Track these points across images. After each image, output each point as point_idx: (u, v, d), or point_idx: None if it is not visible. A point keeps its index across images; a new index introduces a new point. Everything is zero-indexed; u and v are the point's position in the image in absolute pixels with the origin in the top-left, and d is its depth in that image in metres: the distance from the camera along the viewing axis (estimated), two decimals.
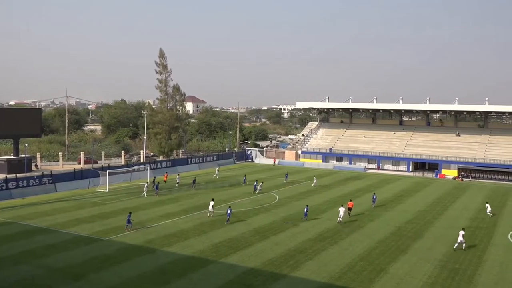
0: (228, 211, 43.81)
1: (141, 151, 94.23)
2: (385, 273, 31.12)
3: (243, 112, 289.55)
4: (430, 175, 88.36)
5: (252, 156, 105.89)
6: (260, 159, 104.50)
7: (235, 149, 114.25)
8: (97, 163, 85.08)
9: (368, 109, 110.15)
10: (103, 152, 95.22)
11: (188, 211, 48.93)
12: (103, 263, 31.89)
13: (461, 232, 37.65)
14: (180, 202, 53.52)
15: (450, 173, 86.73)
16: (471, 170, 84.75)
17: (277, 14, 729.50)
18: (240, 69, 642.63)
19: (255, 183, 63.23)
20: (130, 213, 41.24)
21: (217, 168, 77.69)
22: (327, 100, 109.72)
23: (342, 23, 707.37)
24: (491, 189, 71.86)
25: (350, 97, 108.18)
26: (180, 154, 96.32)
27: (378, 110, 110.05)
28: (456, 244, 37.08)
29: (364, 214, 49.87)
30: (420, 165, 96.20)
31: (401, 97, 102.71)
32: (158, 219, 45.08)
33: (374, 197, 55.35)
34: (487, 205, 51.70)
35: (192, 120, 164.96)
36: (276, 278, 29.58)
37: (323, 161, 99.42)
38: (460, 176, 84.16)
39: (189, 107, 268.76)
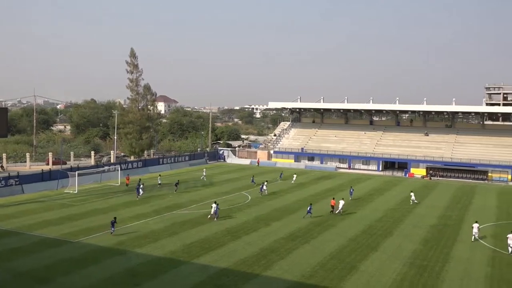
0: (215, 208, 45.23)
1: (112, 152, 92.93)
2: (356, 270, 31.50)
3: (215, 112, 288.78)
4: (399, 174, 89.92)
5: (224, 156, 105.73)
6: (232, 159, 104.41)
7: (207, 149, 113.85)
8: (66, 163, 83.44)
9: (339, 109, 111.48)
10: (72, 153, 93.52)
11: (159, 212, 48.48)
12: (71, 265, 31.29)
13: (475, 225, 40.48)
14: (151, 203, 52.97)
15: (418, 172, 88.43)
16: (439, 169, 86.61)
17: (252, 14, 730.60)
18: (213, 69, 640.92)
19: (261, 184, 61.77)
20: (115, 218, 40.16)
21: (204, 170, 76.65)
22: (299, 100, 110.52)
23: (315, 25, 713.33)
24: (458, 187, 73.58)
25: (322, 97, 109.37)
26: (152, 154, 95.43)
27: (349, 110, 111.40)
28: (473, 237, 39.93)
29: (335, 212, 50.35)
30: (390, 164, 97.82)
31: (371, 98, 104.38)
32: (129, 220, 44.52)
33: (351, 190, 60.35)
34: (412, 193, 56.66)
35: (164, 120, 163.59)
36: (248, 278, 29.59)
37: (295, 161, 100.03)
38: (429, 175, 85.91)
39: (161, 107, 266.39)
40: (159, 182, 64.82)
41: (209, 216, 45.52)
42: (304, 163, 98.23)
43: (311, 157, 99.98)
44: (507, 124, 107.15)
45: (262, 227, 42.82)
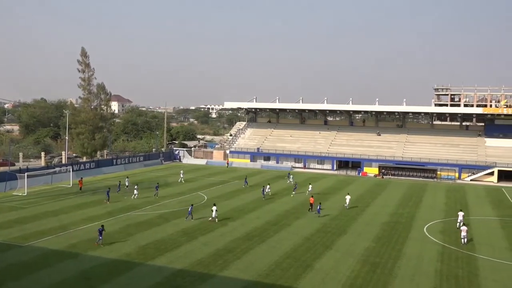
0: (190, 209, 45.50)
1: (63, 152, 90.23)
2: (311, 269, 31.96)
3: (170, 111, 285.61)
4: (353, 173, 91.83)
5: (180, 156, 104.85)
6: (188, 159, 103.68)
7: (163, 149, 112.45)
8: (14, 165, 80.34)
9: (294, 109, 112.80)
10: (21, 154, 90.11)
11: (113, 213, 47.52)
12: (21, 270, 30.20)
13: (460, 213, 45.60)
14: (104, 205, 51.83)
15: (371, 171, 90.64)
16: (390, 167, 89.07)
17: (205, 12, 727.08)
18: (168, 68, 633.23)
19: (263, 188, 61.14)
20: (102, 226, 37.25)
21: (181, 171, 75.07)
22: (255, 100, 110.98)
23: (271, 27, 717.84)
24: (409, 185, 75.90)
25: (277, 97, 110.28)
26: (105, 155, 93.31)
27: (304, 111, 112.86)
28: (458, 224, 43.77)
29: (290, 211, 50.91)
30: (343, 163, 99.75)
31: (326, 98, 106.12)
32: (82, 222, 43.41)
33: (310, 188, 63.30)
34: (348, 197, 55.31)
35: (118, 120, 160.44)
36: (204, 279, 29.48)
37: (251, 161, 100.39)
38: (381, 173, 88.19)
39: (114, 106, 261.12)
40: (127, 185, 63.10)
41: (210, 218, 44.95)
42: (260, 163, 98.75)
43: (267, 157, 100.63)
44: (455, 124, 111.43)
45: (219, 227, 42.74)
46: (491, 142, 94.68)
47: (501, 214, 54.01)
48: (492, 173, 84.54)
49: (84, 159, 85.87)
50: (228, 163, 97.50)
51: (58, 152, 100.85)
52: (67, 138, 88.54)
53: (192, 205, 47.49)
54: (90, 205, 51.26)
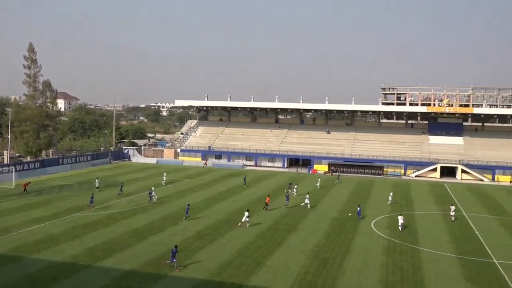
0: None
1: (5, 152, 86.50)
2: (262, 266, 32.19)
3: (119, 109, 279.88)
4: (303, 170, 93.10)
5: (129, 155, 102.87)
6: (138, 158, 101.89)
7: (111, 148, 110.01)
8: None
9: (246, 108, 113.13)
10: None
11: (59, 214, 46.02)
12: None
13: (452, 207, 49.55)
14: (50, 206, 50.13)
15: (321, 168, 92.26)
16: (340, 165, 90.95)
17: (156, 7, 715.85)
18: (117, 65, 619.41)
19: (288, 188, 63.10)
20: (176, 246, 31.94)
21: (164, 174, 72.42)
22: (206, 98, 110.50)
23: (223, 22, 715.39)
24: (358, 182, 77.79)
25: (229, 95, 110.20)
26: (50, 154, 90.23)
27: (255, 109, 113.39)
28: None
29: (242, 210, 50.93)
30: (294, 161, 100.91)
31: (277, 97, 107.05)
32: (25, 224, 41.78)
33: (244, 181, 67.08)
34: (296, 186, 60.80)
35: (64, 118, 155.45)
36: (155, 279, 29.09)
37: (202, 159, 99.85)
38: (330, 170, 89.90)
39: (61, 104, 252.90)
40: (97, 186, 60.97)
41: (240, 223, 43.74)
42: (211, 161, 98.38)
43: (218, 155, 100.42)
44: (401, 122, 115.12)
45: (169, 227, 42.29)
46: (434, 139, 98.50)
47: (443, 208, 56.26)
48: (435, 169, 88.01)
49: (28, 158, 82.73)
50: (206, 164, 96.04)
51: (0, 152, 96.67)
52: (9, 136, 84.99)
53: (188, 204, 47.66)
54: (34, 207, 49.41)
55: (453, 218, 48.96)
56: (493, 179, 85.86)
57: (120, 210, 48.81)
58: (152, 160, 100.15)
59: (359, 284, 29.41)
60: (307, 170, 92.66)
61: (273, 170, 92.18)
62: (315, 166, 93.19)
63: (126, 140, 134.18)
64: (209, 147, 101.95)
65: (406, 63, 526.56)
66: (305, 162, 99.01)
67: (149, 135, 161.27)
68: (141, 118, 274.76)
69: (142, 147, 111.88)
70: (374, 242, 39.51)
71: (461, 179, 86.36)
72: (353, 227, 44.77)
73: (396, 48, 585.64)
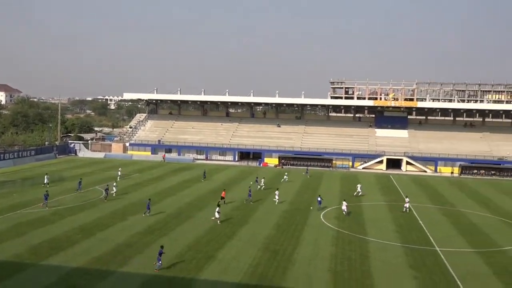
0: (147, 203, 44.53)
1: None
2: (213, 259, 32.18)
3: (65, 103, 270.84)
4: (254, 163, 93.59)
5: (76, 150, 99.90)
6: (85, 153, 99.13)
7: (56, 142, 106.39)
8: None
9: (196, 101, 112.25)
10: None
11: (1, 212, 44.07)
12: None
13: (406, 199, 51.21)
14: None
15: (272, 161, 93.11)
16: (290, 158, 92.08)
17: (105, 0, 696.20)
18: (62, 57, 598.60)
19: (255, 182, 63.89)
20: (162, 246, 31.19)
21: (119, 169, 69.88)
22: (155, 91, 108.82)
23: (167, 12, 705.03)
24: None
25: (179, 88, 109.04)
26: None
27: (206, 102, 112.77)
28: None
29: (192, 204, 50.77)
30: (245, 154, 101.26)
31: (227, 90, 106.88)
32: None
33: (204, 174, 68.59)
34: (263, 180, 63.20)
35: (5, 112, 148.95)
36: (103, 276, 28.49)
37: (152, 153, 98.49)
38: (281, 164, 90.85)
39: (1, 97, 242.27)
40: (46, 182, 58.43)
41: (213, 217, 42.84)
42: (161, 155, 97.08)
43: (168, 149, 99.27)
44: (349, 116, 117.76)
45: (118, 222, 41.47)
46: (380, 132, 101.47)
47: (389, 199, 58.19)
48: (381, 162, 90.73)
49: None
50: (164, 158, 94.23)
51: None
52: None
53: (149, 199, 46.71)
54: None
55: (406, 210, 50.08)
56: (435, 171, 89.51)
57: (66, 206, 47.34)
58: (100, 155, 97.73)
59: (309, 274, 29.97)
60: (257, 163, 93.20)
61: (224, 163, 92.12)
62: (266, 159, 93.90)
63: (72, 134, 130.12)
64: (159, 141, 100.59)
65: (354, 58, 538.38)
66: (256, 155, 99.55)
67: (96, 129, 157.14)
68: (88, 111, 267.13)
69: (89, 141, 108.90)
70: (323, 233, 40.32)
71: (406, 170, 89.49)
72: (303, 218, 45.49)
73: (345, 43, 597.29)
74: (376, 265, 32.23)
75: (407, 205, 50.72)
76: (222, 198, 51.88)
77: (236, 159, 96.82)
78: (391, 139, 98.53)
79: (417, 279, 29.76)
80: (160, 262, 29.75)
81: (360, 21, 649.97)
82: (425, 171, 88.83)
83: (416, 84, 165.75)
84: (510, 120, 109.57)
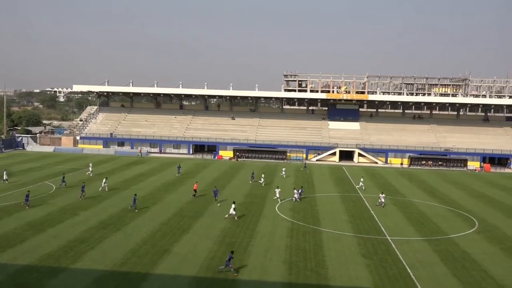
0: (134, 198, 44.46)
1: None
2: (168, 253, 31.90)
3: (11, 95, 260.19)
4: (209, 156, 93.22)
5: (23, 144, 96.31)
6: (33, 147, 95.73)
7: (2, 136, 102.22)
8: None
9: (149, 93, 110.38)
10: None
11: None
12: None
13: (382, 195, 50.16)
14: None
15: (226, 154, 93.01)
16: (244, 150, 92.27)
17: None
18: (6, 46, 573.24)
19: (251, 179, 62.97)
20: (232, 252, 29.95)
21: (90, 164, 67.39)
22: (106, 83, 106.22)
23: (118, 8, 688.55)
24: (262, 167, 79.44)
25: (131, 80, 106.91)
26: None
27: (159, 95, 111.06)
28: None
29: (146, 197, 50.07)
30: (199, 147, 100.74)
31: (181, 82, 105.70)
32: None
33: (179, 168, 67.59)
34: (262, 175, 60.72)
35: None
36: (55, 273, 27.69)
37: (103, 147, 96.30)
38: (236, 156, 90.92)
39: None
40: (4, 178, 55.88)
41: (227, 215, 42.27)
42: (113, 149, 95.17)
43: (121, 142, 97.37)
44: (302, 108, 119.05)
45: (69, 218, 40.35)
46: (333, 125, 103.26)
47: (342, 190, 59.42)
48: (334, 153, 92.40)
49: None
50: (141, 152, 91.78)
51: None
52: None
53: (135, 194, 46.44)
54: None
55: (382, 205, 49.60)
56: (386, 162, 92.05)
57: (14, 202, 45.58)
58: (49, 149, 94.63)
59: (264, 265, 30.23)
60: (212, 156, 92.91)
61: (178, 156, 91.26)
62: (221, 152, 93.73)
63: (19, 128, 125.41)
64: (111, 134, 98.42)
65: (308, 51, 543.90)
66: (210, 148, 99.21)
67: (45, 122, 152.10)
68: (36, 104, 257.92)
69: (38, 134, 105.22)
70: (279, 225, 40.72)
71: (358, 162, 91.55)
72: (258, 211, 45.76)
73: (299, 36, 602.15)
74: (330, 255, 32.89)
75: (383, 200, 50.17)
76: (195, 191, 51.78)
77: (191, 152, 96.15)
78: (344, 131, 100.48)
79: (369, 267, 30.61)
80: (229, 266, 28.63)
81: (313, 15, 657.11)
82: (376, 163, 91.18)
83: (367, 77, 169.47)
84: (455, 113, 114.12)
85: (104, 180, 54.37)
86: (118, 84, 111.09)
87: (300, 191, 51.95)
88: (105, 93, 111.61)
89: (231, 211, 42.10)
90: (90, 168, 66.07)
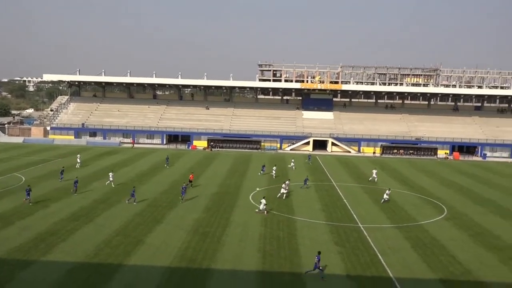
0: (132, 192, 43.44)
1: None
2: (142, 244, 31.70)
3: None
4: (183, 146, 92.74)
5: None
6: (1, 138, 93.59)
7: None
8: None
9: (122, 83, 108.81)
10: None
11: None
12: None
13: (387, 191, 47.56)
14: None
15: (200, 144, 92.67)
16: (219, 140, 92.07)
17: None
18: None
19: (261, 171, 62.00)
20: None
21: (78, 155, 65.87)
22: (78, 72, 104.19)
23: None
24: (236, 157, 79.47)
25: (103, 70, 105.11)
26: None
27: (132, 84, 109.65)
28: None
29: (119, 189, 49.52)
30: (173, 137, 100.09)
31: (154, 72, 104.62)
32: None
33: (167, 160, 66.52)
34: (274, 168, 60.50)
35: None
36: (24, 266, 27.22)
37: (75, 137, 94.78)
38: (210, 146, 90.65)
39: None
40: None
41: (257, 210, 41.42)
42: (85, 139, 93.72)
43: (93, 133, 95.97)
44: (276, 98, 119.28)
45: (40, 210, 39.63)
46: (307, 114, 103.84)
47: (316, 179, 59.93)
48: (308, 143, 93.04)
49: None
50: (133, 144, 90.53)
51: None
52: None
53: (134, 187, 45.66)
54: None
55: (386, 200, 47.23)
56: (359, 151, 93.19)
57: None
58: (18, 139, 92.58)
59: (239, 255, 30.34)
60: (186, 146, 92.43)
61: (151, 147, 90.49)
62: (195, 142, 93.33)
63: None
64: (83, 124, 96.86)
65: (282, 40, 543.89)
66: (184, 138, 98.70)
67: (14, 112, 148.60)
68: (4, 93, 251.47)
69: (6, 125, 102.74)
70: (253, 214, 40.85)
71: (331, 151, 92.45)
72: (232, 200, 45.81)
73: (273, 25, 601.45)
74: (303, 243, 33.21)
75: (386, 196, 47.33)
76: (190, 181, 51.60)
77: (164, 142, 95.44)
78: (317, 121, 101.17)
79: (342, 255, 31.04)
80: (318, 267, 27.10)
81: (287, 5, 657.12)
82: (349, 152, 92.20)
83: (340, 67, 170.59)
84: (426, 102, 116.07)
85: (110, 174, 51.90)
86: (90, 73, 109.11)
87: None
88: (77, 83, 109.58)
89: (262, 206, 41.11)
90: (78, 159, 64.26)
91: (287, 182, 49.61)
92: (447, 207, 46.65)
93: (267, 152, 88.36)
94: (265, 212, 40.95)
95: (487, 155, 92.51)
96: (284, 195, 47.54)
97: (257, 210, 41.64)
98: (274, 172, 60.65)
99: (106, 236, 33.20)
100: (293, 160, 71.26)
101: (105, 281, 25.57)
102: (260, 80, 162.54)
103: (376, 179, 59.90)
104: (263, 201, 41.54)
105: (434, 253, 32.16)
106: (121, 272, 26.89)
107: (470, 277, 28.20)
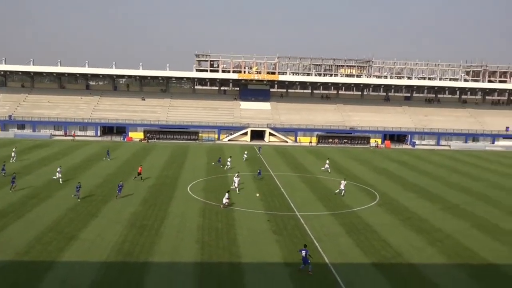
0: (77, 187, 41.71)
1: None
2: (75, 239, 30.74)
3: None
4: (118, 138, 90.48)
5: None
6: None
7: None
8: None
9: (52, 73, 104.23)
10: None
11: None
12: None
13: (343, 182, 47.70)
14: None
15: (137, 135, 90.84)
16: (155, 131, 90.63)
17: None
18: None
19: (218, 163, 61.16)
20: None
21: (13, 149, 62.12)
22: (3, 62, 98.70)
23: None
24: (174, 148, 78.62)
25: (32, 59, 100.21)
26: None
27: (63, 74, 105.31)
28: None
29: (51, 182, 47.68)
30: (108, 129, 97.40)
31: (87, 61, 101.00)
32: None
33: (108, 153, 64.96)
34: (229, 159, 58.99)
35: None
36: None
37: (2, 130, 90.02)
38: (146, 138, 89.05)
39: None
40: None
41: (222, 205, 39.93)
42: (13, 132, 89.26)
43: (21, 125, 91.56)
44: (214, 89, 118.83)
45: None
46: (245, 105, 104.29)
47: (253, 169, 60.45)
48: (246, 133, 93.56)
49: None
50: (74, 136, 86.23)
51: None
52: None
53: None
54: None
55: (342, 193, 46.73)
56: (295, 141, 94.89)
57: None
58: None
59: (176, 246, 30.15)
60: (122, 138, 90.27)
61: (85, 139, 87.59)
62: (130, 134, 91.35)
63: None
64: (10, 116, 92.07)
65: (220, 31, 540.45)
66: (120, 130, 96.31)
67: None
68: None
69: None
70: (190, 205, 40.68)
71: (269, 141, 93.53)
72: (169, 192, 45.36)
73: (210, 16, 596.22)
74: (242, 233, 33.49)
75: (342, 186, 47.13)
76: (139, 174, 50.53)
77: (99, 134, 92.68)
78: (255, 111, 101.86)
79: (279, 243, 31.61)
80: (308, 263, 26.70)
81: None
82: (287, 141, 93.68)
83: (277, 58, 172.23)
84: (360, 93, 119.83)
85: (58, 169, 49.46)
86: (17, 62, 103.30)
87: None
88: (2, 72, 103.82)
89: (225, 199, 40.53)
90: (13, 153, 61.17)
91: (236, 174, 49.54)
92: (379, 193, 48.59)
93: (205, 143, 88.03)
94: (222, 206, 40.40)
95: (416, 143, 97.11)
96: (237, 188, 47.05)
97: (221, 205, 40.63)
98: (229, 163, 60.56)
99: (37, 232, 31.90)
100: (246, 152, 71.36)
101: (37, 279, 24.62)
102: (197, 70, 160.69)
103: (329, 169, 60.91)
104: (227, 194, 41.13)
105: (367, 238, 33.46)
106: (54, 269, 25.97)
107: (401, 259, 29.63)
